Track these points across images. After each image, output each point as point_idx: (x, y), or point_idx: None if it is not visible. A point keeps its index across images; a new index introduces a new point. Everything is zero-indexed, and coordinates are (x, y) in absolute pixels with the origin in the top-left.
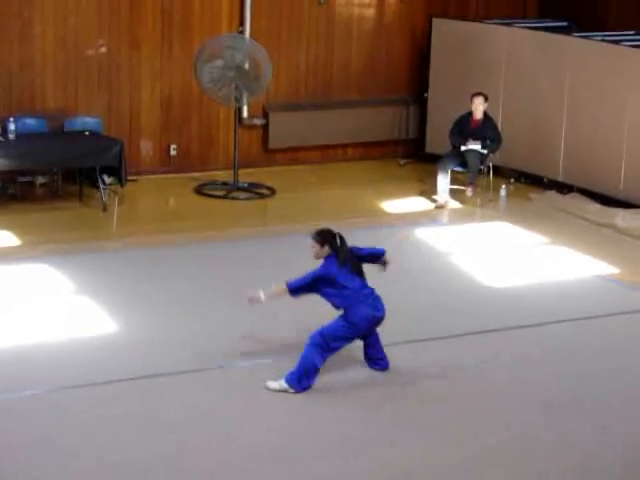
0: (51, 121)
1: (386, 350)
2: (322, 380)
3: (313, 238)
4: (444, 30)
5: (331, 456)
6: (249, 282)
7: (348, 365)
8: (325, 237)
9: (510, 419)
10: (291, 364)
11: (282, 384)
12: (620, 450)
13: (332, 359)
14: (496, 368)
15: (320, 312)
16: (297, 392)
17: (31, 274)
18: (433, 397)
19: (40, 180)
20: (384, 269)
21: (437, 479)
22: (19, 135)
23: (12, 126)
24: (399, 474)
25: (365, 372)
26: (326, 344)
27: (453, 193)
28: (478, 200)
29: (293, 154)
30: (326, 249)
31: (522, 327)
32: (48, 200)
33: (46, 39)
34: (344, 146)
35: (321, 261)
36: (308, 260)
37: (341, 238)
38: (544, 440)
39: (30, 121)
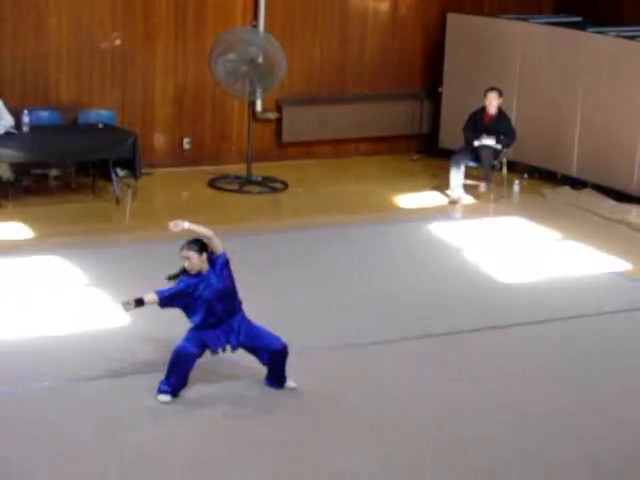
0: (65, 113)
1: (399, 344)
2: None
3: (191, 248)
4: (458, 25)
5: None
6: (261, 276)
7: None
8: (204, 244)
9: (520, 414)
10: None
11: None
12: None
13: None
14: (507, 362)
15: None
16: None
17: (44, 266)
18: (447, 391)
19: (54, 173)
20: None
21: None
22: (33, 127)
23: (26, 118)
24: None
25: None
26: None
27: (466, 188)
28: (491, 195)
29: (306, 148)
30: (204, 257)
31: (534, 323)
32: (61, 193)
33: (60, 32)
34: (357, 140)
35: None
36: (319, 253)
37: None
38: (555, 437)
39: (44, 113)
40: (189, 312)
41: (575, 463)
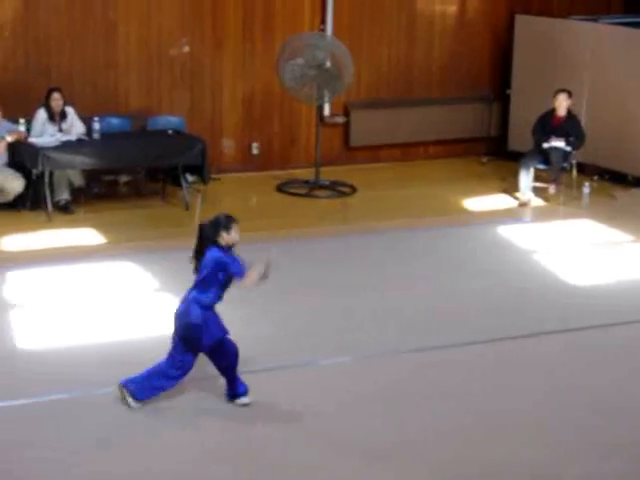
0: (134, 120)
1: (468, 348)
2: None
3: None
4: (527, 26)
5: None
6: (329, 279)
7: None
8: None
9: (581, 419)
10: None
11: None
12: None
13: None
14: (578, 366)
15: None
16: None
17: (115, 272)
18: (517, 391)
19: (124, 179)
20: None
21: None
22: (103, 134)
23: (97, 125)
24: None
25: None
26: None
27: (536, 191)
28: (561, 198)
29: (374, 152)
30: None
31: (605, 326)
32: (131, 199)
33: (130, 40)
34: (425, 144)
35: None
36: (387, 257)
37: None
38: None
39: (114, 120)
40: (212, 286)
41: None
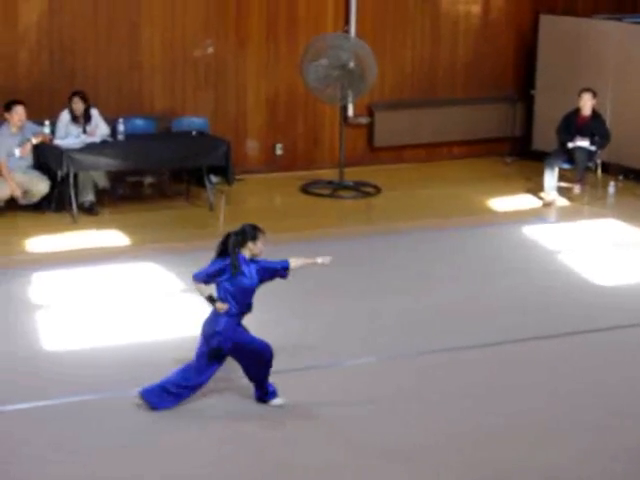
0: (159, 122)
1: (492, 348)
2: None
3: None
4: (551, 26)
5: None
6: (354, 280)
7: None
8: None
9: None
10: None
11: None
12: None
13: None
14: (602, 367)
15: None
16: None
17: (140, 273)
18: (542, 390)
19: (148, 180)
20: None
21: None
22: (128, 136)
23: (121, 127)
24: None
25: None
26: None
27: (561, 190)
28: (586, 197)
29: (398, 152)
30: None
31: (628, 326)
32: (156, 200)
33: (154, 42)
34: (450, 144)
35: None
36: (412, 257)
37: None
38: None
39: (139, 122)
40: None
41: None
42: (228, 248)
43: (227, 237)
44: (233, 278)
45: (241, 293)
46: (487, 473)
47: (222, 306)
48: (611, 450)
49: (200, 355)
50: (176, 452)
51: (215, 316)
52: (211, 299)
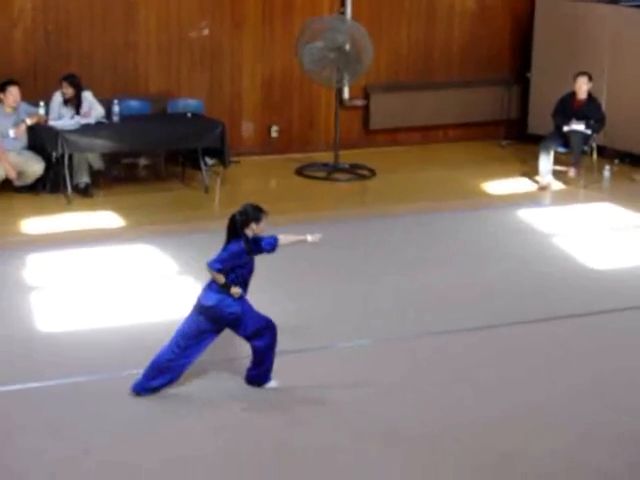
0: (154, 103)
1: (486, 331)
2: None
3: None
4: (548, 9)
5: None
6: (349, 263)
7: None
8: None
9: (609, 404)
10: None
11: None
12: None
13: None
14: (598, 351)
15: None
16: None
17: (135, 255)
18: (539, 375)
19: (143, 162)
20: None
21: None
22: (123, 117)
23: (116, 108)
24: None
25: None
26: None
27: (556, 174)
28: (581, 181)
29: (394, 135)
30: None
31: (624, 309)
32: (151, 181)
33: (149, 22)
34: (445, 127)
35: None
36: (406, 240)
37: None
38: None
39: (134, 103)
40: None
41: None
42: (237, 230)
43: (233, 219)
44: (250, 261)
45: (250, 275)
46: (488, 459)
47: (238, 291)
48: (610, 435)
49: (194, 329)
50: (175, 436)
51: (220, 294)
52: (226, 285)
